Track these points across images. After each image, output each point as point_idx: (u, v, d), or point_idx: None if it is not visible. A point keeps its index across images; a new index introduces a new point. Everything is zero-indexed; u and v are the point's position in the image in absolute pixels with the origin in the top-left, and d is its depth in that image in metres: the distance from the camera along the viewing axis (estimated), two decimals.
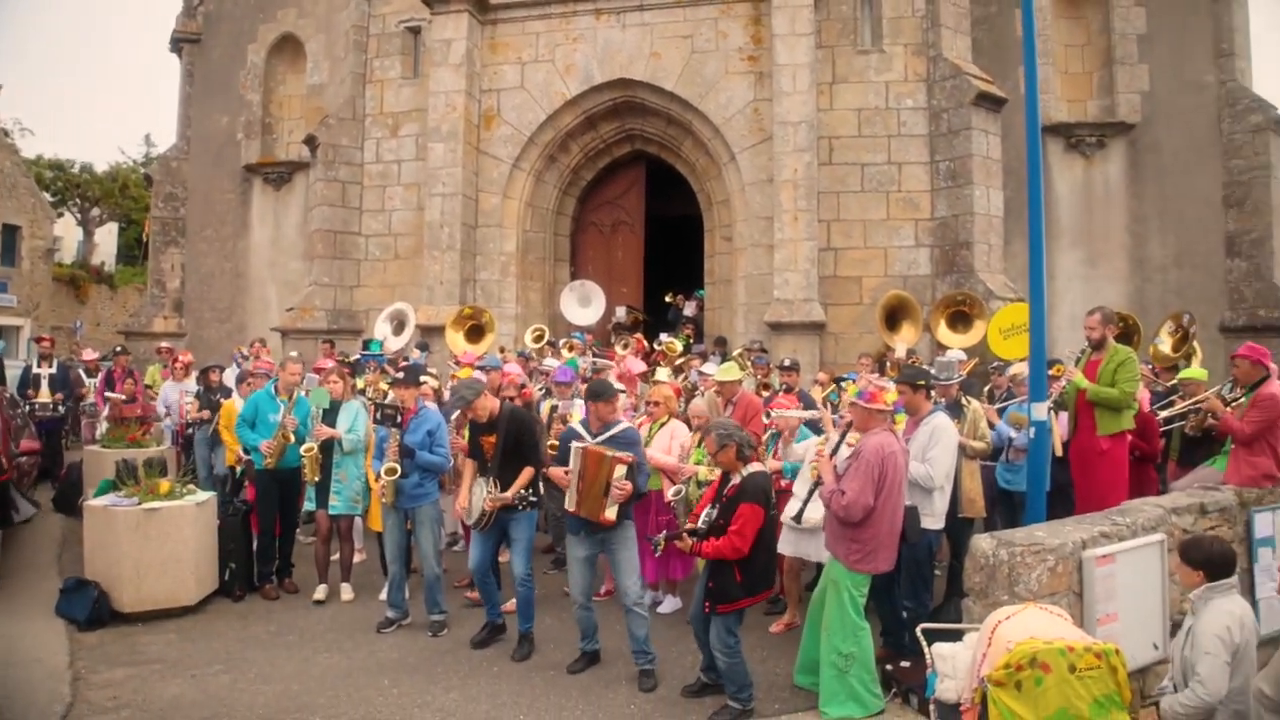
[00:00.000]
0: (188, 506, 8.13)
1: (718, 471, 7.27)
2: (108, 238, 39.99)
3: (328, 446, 8.45)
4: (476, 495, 7.14)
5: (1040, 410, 7.43)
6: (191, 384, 12.78)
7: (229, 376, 12.18)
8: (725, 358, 12.66)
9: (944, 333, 12.99)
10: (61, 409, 13.28)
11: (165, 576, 7.96)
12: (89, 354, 14.71)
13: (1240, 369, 7.57)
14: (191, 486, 8.59)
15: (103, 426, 12.74)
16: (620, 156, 16.08)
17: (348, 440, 8.40)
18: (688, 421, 8.53)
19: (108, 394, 12.80)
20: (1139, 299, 15.09)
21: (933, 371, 8.60)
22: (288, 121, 18.18)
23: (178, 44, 19.05)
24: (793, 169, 13.68)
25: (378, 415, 7.74)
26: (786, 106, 13.79)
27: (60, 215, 36.75)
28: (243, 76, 18.18)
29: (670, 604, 8.34)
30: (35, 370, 13.26)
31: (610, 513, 6.55)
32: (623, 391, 9.37)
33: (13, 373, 14.03)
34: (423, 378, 8.95)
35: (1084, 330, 8.34)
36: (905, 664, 6.50)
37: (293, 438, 8.64)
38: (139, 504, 7.95)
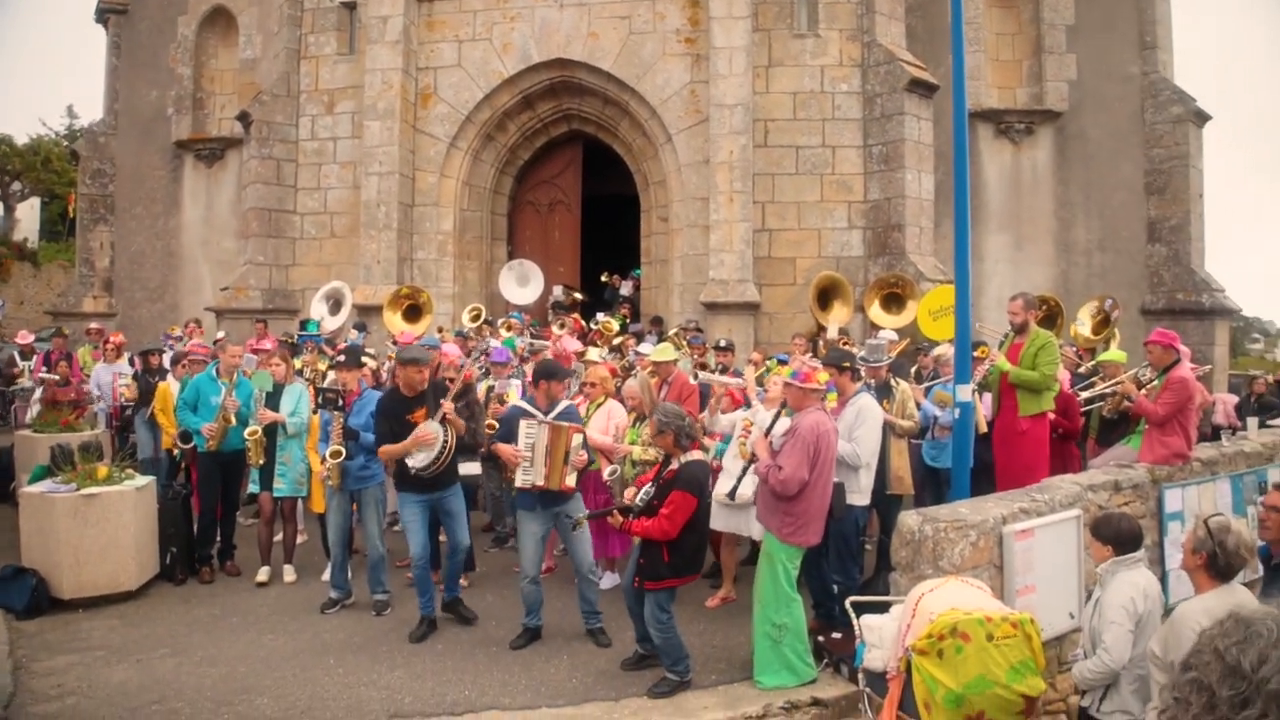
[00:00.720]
0: (127, 491, 8.09)
1: (652, 451, 7.53)
2: (30, 213, 38.80)
3: (271, 429, 8.46)
4: (432, 427, 7.13)
5: (965, 391, 7.73)
6: (124, 365, 12.63)
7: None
8: (662, 337, 12.85)
9: (877, 313, 13.30)
10: None
11: (105, 562, 7.92)
12: (24, 336, 14.39)
13: (1153, 354, 7.86)
14: (130, 471, 8.54)
15: (34, 409, 12.54)
16: (557, 136, 16.07)
17: (292, 423, 8.43)
18: (623, 401, 8.69)
19: (42, 375, 12.57)
20: (1064, 282, 15.53)
21: (861, 354, 8.86)
22: (220, 96, 17.85)
23: (103, 15, 18.53)
24: (729, 151, 13.84)
25: (320, 399, 7.74)
26: (723, 89, 13.92)
27: None
28: (173, 50, 17.77)
29: (609, 580, 8.49)
30: None
31: (571, 480, 6.87)
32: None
33: None
34: (362, 359, 8.97)
35: (1007, 315, 8.63)
36: (836, 635, 6.78)
37: (234, 420, 8.62)
38: (77, 490, 7.89)
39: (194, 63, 17.74)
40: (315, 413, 8.44)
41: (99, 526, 7.87)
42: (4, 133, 36.57)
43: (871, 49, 14.42)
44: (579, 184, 16.29)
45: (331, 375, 9.75)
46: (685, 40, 14.51)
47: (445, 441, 7.07)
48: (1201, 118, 15.74)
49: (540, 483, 6.86)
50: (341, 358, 8.16)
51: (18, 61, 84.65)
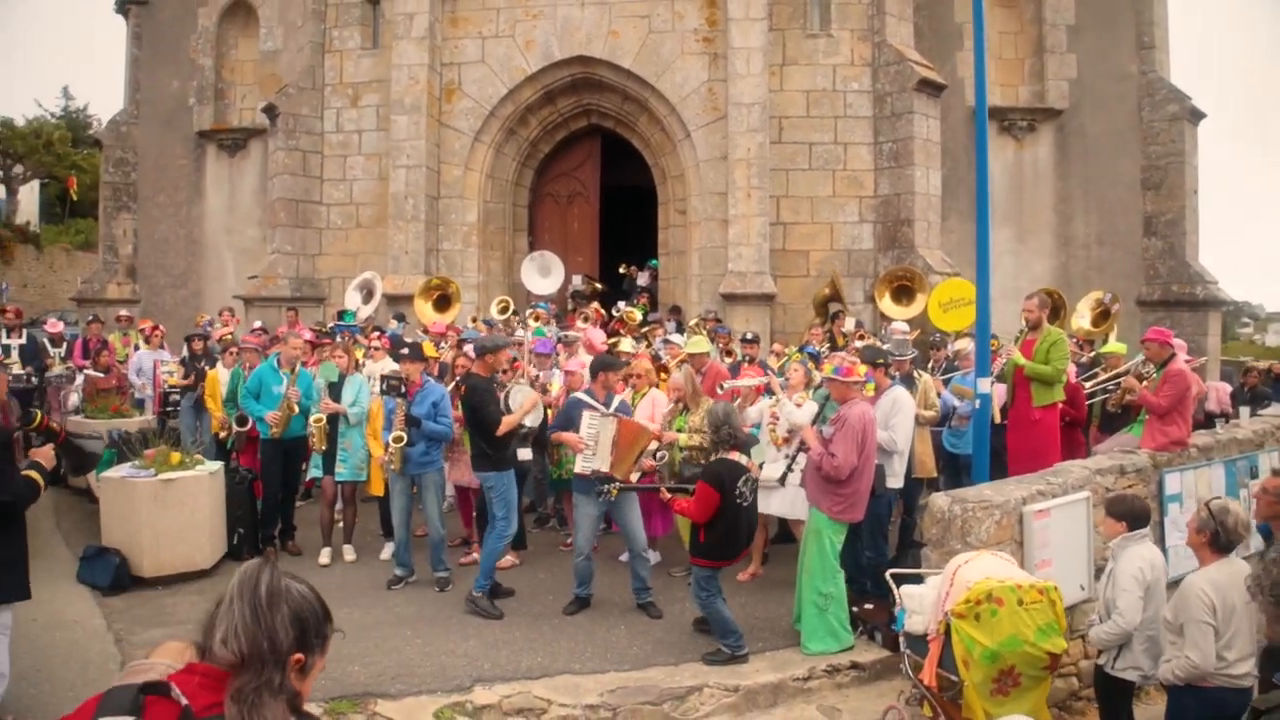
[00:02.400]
0: (202, 476, 8.56)
1: (696, 437, 8.15)
2: (30, 196, 38.82)
3: (333, 416, 8.94)
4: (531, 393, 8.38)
5: (985, 384, 8.35)
6: (164, 352, 13.03)
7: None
8: (680, 326, 13.37)
9: (888, 305, 13.83)
10: (34, 379, 13.33)
11: (182, 543, 8.37)
12: (54, 325, 14.67)
13: (1150, 350, 8.54)
14: (198, 456, 9.01)
15: (74, 397, 12.87)
16: (577, 130, 16.52)
17: (353, 413, 8.90)
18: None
19: (87, 371, 12.87)
20: (1063, 274, 16.13)
21: (887, 348, 9.45)
22: (240, 87, 18.23)
23: (124, 6, 18.88)
24: (746, 148, 14.35)
25: (384, 386, 8.22)
26: (741, 88, 14.42)
27: None
28: (193, 41, 18.12)
29: (651, 557, 9.04)
30: (4, 341, 13.29)
31: (634, 476, 7.47)
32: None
33: None
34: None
35: (1022, 313, 9.28)
36: (869, 605, 7.43)
37: (297, 409, 9.10)
38: (155, 475, 8.33)
39: (215, 54, 18.11)
40: (380, 396, 8.88)
41: (176, 509, 8.32)
42: (4, 115, 36.67)
43: (882, 49, 14.94)
44: (597, 176, 16.78)
45: (372, 365, 10.27)
46: (703, 39, 14.99)
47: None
48: (1196, 115, 16.35)
49: (604, 469, 7.42)
50: (404, 350, 8.63)
51: (9, 41, 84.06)
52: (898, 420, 7.78)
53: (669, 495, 6.98)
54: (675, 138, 15.35)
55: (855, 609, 7.34)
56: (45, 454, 5.68)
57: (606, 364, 7.88)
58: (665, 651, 6.94)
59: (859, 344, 11.67)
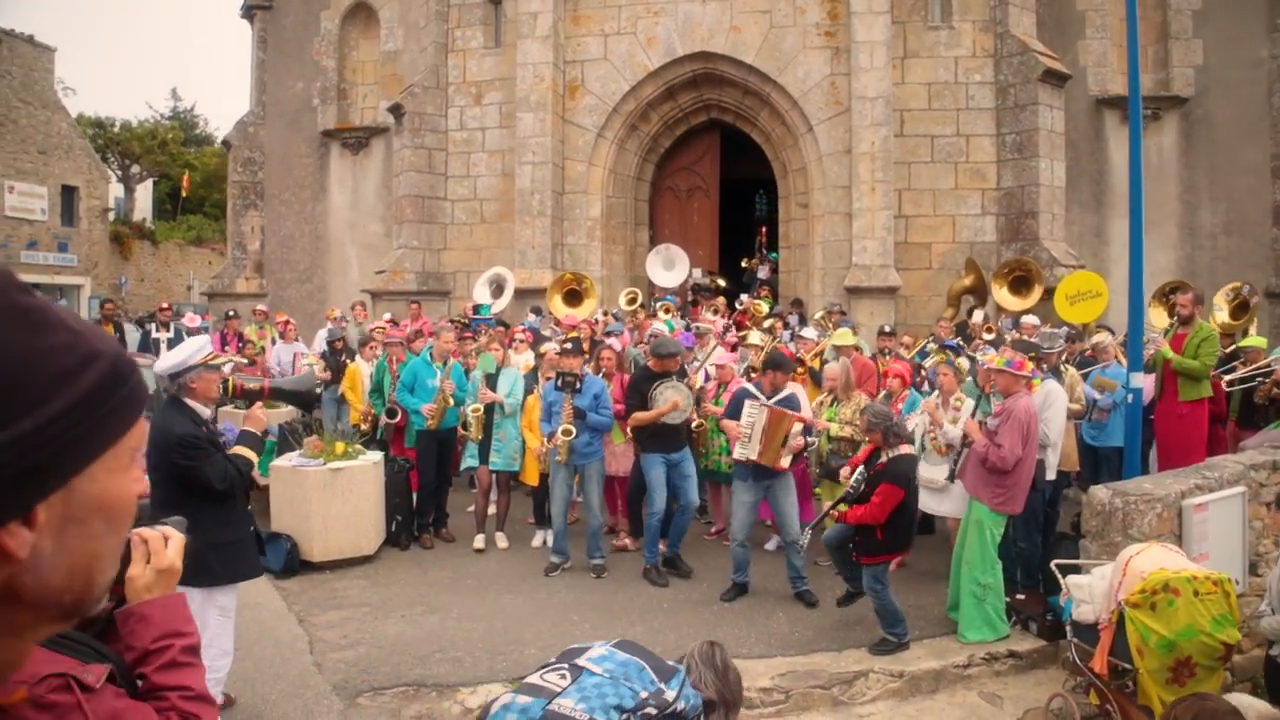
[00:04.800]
0: (366, 465, 8.93)
1: (848, 429, 8.29)
2: (144, 193, 40.33)
3: (489, 408, 9.24)
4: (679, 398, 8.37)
5: (1138, 379, 8.36)
6: (300, 345, 13.50)
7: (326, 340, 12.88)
8: (804, 319, 13.47)
9: (1005, 296, 13.73)
10: None
11: (348, 529, 8.75)
12: (191, 319, 15.28)
13: None
14: (359, 447, 9.38)
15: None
16: (697, 124, 16.68)
17: (508, 404, 9.19)
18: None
19: (235, 358, 13.37)
20: (1189, 265, 15.88)
21: (1036, 341, 9.49)
22: (362, 87, 18.70)
23: (250, 10, 19.48)
24: (870, 142, 14.38)
25: (559, 382, 8.47)
26: (864, 82, 14.45)
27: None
28: (317, 43, 18.61)
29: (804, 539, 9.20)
30: (154, 335, 13.91)
31: (785, 461, 7.64)
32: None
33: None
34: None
35: (1176, 307, 9.26)
36: (1022, 596, 7.55)
37: (452, 401, 9.42)
38: (324, 464, 8.71)
39: (337, 55, 18.58)
40: (534, 391, 9.17)
41: (344, 497, 8.69)
42: (112, 116, 38.14)
43: (1004, 40, 14.84)
44: (717, 170, 16.93)
45: (515, 355, 10.56)
46: (825, 34, 15.02)
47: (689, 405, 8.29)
48: None
49: (754, 457, 7.64)
50: (568, 345, 8.89)
51: (116, 44, 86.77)
52: (1050, 414, 7.87)
53: (836, 513, 7.11)
54: (797, 132, 15.42)
55: (1009, 599, 7.44)
56: (255, 416, 5.74)
57: (775, 363, 8.08)
58: (826, 638, 7.13)
59: (987, 336, 11.72)
